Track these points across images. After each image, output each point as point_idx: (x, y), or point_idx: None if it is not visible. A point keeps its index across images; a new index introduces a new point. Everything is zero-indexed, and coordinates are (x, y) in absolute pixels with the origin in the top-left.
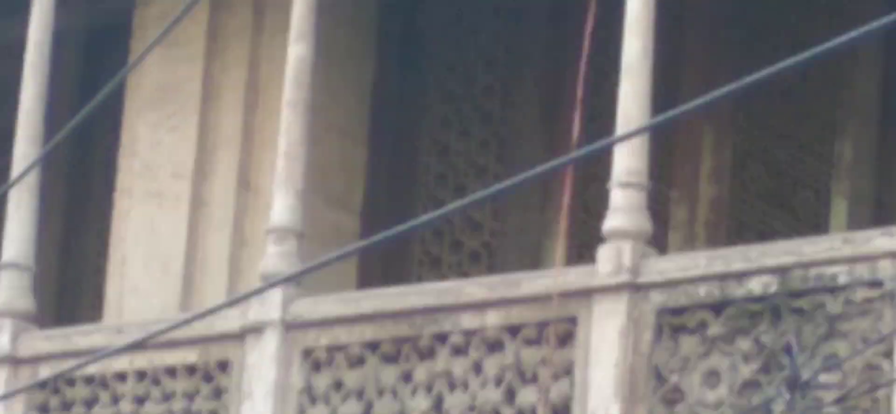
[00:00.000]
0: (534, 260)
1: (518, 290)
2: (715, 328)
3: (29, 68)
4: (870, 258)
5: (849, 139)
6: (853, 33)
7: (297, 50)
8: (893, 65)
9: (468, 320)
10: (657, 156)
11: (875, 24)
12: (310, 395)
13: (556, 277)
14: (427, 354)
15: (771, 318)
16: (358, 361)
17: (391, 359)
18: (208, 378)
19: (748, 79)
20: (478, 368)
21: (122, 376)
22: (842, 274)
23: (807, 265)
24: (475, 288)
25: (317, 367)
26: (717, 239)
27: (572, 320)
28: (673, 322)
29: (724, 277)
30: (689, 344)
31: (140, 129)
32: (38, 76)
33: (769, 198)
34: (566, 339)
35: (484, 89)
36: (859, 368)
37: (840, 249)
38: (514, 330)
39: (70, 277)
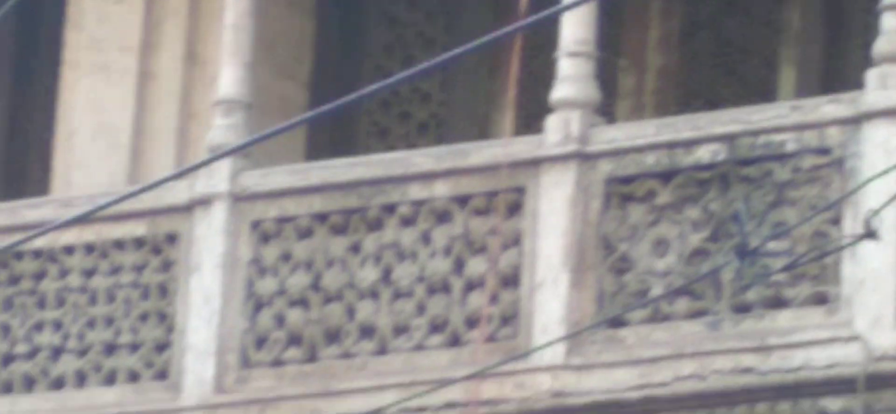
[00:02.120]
0: (482, 130)
1: (466, 160)
2: (663, 197)
3: None
4: (817, 126)
5: (797, 7)
6: None
7: None
8: None
9: (416, 191)
10: (605, 24)
11: None
12: (258, 266)
13: (505, 147)
14: (375, 225)
15: (719, 186)
16: (306, 233)
17: (340, 230)
18: (156, 251)
19: None
20: (426, 238)
21: (69, 249)
22: (790, 141)
23: (755, 133)
24: (423, 159)
25: (265, 238)
26: (665, 108)
27: (520, 190)
28: (621, 191)
29: (672, 146)
30: (637, 213)
31: (86, 1)
32: None
33: (717, 66)
34: (515, 209)
35: None
36: (807, 235)
37: (788, 117)
38: (462, 200)
39: (17, 150)
